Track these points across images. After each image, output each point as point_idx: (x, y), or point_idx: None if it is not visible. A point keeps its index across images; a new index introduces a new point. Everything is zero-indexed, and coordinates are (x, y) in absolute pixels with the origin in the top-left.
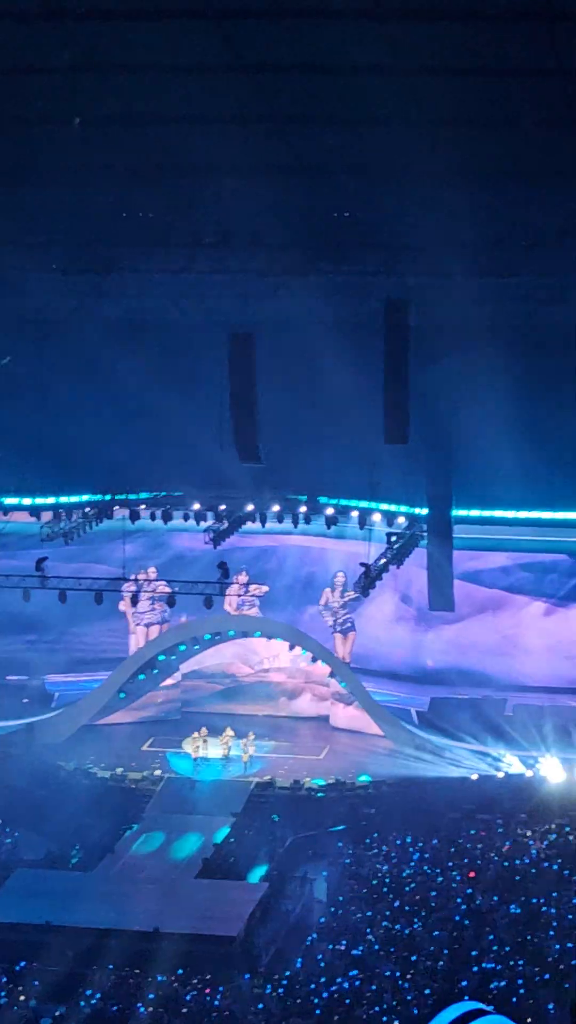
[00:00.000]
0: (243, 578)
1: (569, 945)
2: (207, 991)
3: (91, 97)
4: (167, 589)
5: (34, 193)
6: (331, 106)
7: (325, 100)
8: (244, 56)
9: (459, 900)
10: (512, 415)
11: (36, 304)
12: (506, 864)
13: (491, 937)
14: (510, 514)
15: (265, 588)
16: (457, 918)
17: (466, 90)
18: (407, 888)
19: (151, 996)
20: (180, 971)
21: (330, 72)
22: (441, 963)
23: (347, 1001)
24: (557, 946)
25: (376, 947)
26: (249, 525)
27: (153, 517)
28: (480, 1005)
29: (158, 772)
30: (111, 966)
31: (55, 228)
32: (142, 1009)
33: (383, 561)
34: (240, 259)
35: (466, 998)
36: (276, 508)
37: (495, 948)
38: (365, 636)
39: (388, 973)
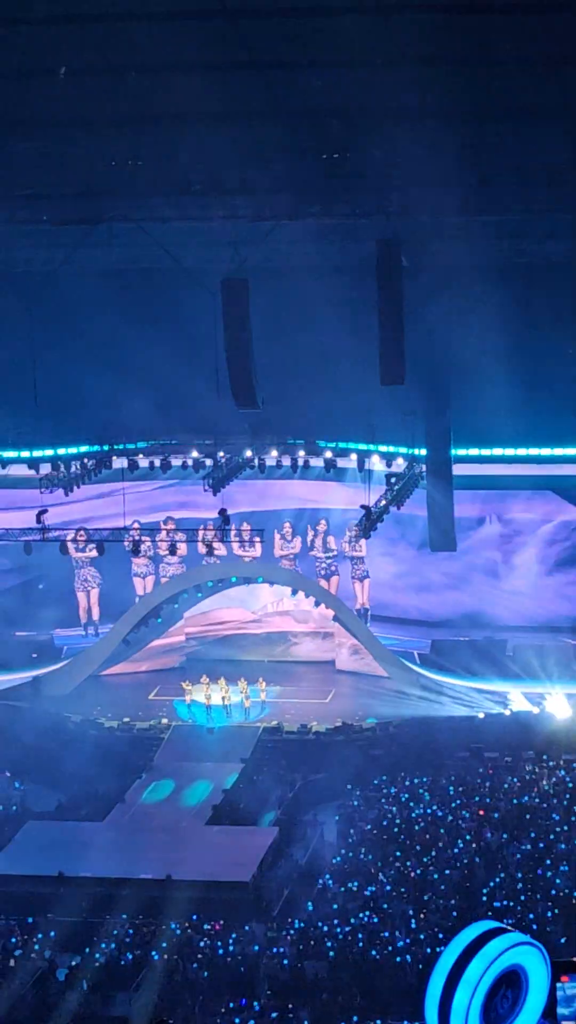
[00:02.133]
0: (246, 527)
1: None
2: (221, 937)
3: (74, 48)
4: (180, 537)
5: (19, 145)
6: (314, 49)
7: (308, 43)
8: (225, 2)
9: (469, 838)
10: (507, 352)
11: (25, 256)
12: (515, 801)
13: (502, 875)
14: (508, 452)
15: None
16: (468, 857)
17: (449, 28)
18: (417, 828)
19: (165, 944)
20: (193, 918)
21: (312, 15)
22: (453, 901)
23: (360, 943)
24: (568, 881)
25: (388, 888)
26: (247, 471)
27: (152, 467)
28: (497, 924)
29: (165, 720)
30: (124, 915)
31: (42, 180)
32: (156, 956)
33: (383, 503)
34: (229, 205)
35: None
36: (275, 454)
37: (506, 885)
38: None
39: (400, 913)
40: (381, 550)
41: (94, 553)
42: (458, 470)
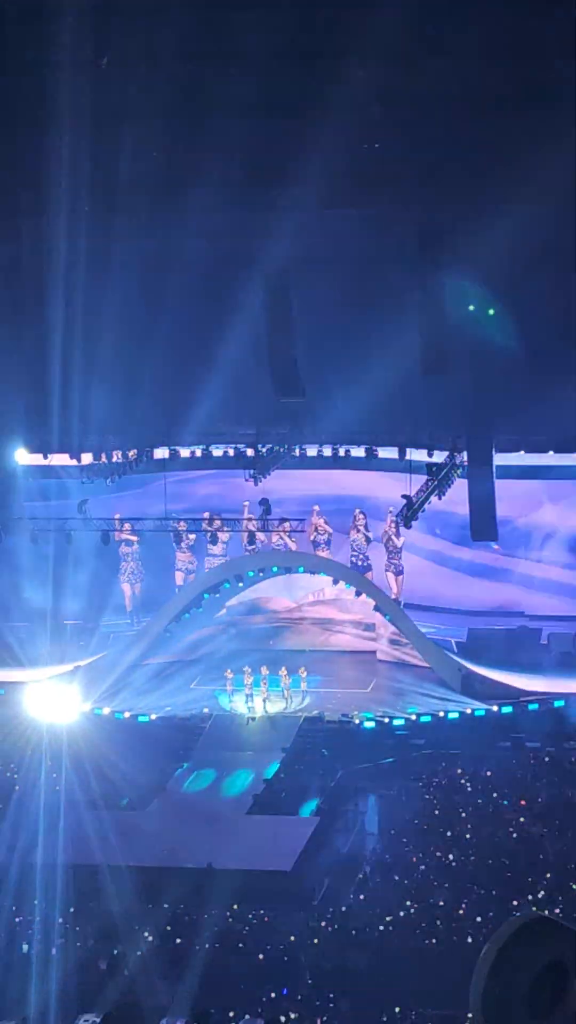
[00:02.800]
0: (286, 527)
1: None
2: (262, 926)
3: (115, 38)
4: (222, 529)
5: (61, 136)
6: (355, 39)
7: (349, 33)
8: None
9: (510, 829)
10: (548, 341)
11: (67, 247)
12: (556, 792)
13: (543, 865)
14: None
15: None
16: (509, 847)
17: (491, 15)
18: (458, 818)
19: (207, 933)
20: (235, 907)
21: (353, 3)
22: (494, 891)
23: (401, 933)
24: None
25: (429, 878)
26: (289, 461)
27: (193, 456)
28: (541, 914)
29: (206, 710)
30: (166, 904)
31: (83, 171)
32: (198, 946)
33: (424, 493)
34: (271, 196)
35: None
36: (316, 443)
37: (548, 876)
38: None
39: (442, 903)
40: (417, 539)
41: (134, 537)
42: (498, 460)
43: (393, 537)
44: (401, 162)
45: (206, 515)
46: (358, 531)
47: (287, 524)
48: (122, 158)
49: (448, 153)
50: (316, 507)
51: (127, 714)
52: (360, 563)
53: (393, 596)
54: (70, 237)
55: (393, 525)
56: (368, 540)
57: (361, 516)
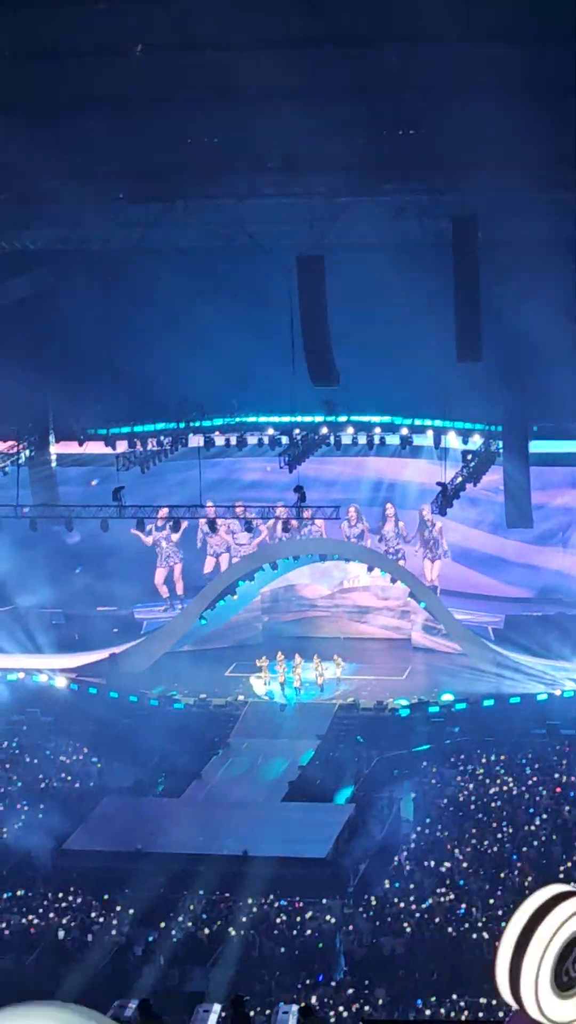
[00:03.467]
0: (308, 517)
1: None
2: (297, 913)
3: (150, 25)
4: (249, 515)
5: (95, 123)
6: (390, 24)
7: (384, 18)
8: None
9: (546, 816)
10: None
11: (101, 235)
12: None
13: None
14: None
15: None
16: (544, 834)
17: (527, 2)
18: (493, 805)
19: (242, 919)
20: (270, 894)
21: None
22: (529, 878)
23: (436, 919)
24: None
25: (464, 865)
26: (323, 449)
27: (228, 444)
28: (566, 887)
29: (241, 697)
30: (201, 891)
31: (118, 158)
32: (233, 932)
33: (459, 480)
34: (305, 182)
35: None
36: (350, 431)
37: None
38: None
39: (477, 890)
40: (453, 526)
41: (168, 534)
42: (533, 447)
43: (429, 524)
44: (437, 149)
45: (244, 510)
46: (393, 525)
47: (308, 516)
48: (157, 144)
49: (484, 139)
50: (354, 507)
51: (163, 700)
52: (392, 556)
53: (429, 583)
54: (107, 224)
55: (429, 512)
56: (398, 534)
57: (391, 509)
